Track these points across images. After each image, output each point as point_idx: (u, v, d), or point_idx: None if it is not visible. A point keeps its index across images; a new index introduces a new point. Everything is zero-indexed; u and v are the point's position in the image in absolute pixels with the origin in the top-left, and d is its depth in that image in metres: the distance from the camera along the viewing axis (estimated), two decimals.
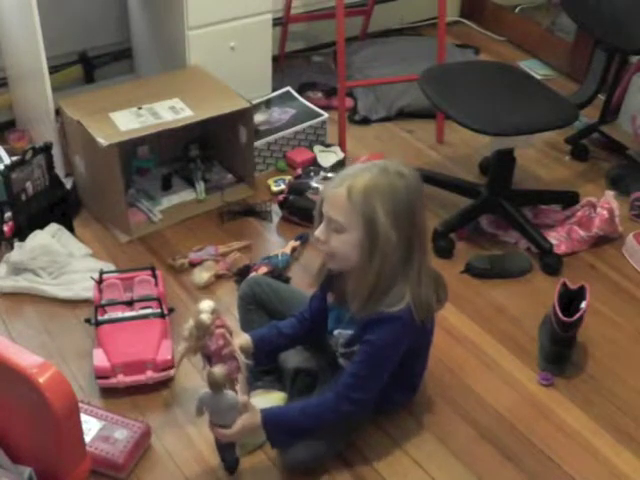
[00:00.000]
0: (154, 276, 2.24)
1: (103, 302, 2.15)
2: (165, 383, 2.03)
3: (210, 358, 1.83)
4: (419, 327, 1.74)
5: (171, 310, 2.16)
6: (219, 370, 1.70)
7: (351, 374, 1.75)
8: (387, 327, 1.71)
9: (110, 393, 1.99)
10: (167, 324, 2.11)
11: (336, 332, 1.83)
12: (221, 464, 1.82)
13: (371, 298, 1.70)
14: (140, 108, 2.51)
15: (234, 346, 1.82)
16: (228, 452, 1.80)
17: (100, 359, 1.99)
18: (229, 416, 1.73)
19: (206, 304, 1.83)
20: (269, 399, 1.92)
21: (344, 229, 1.68)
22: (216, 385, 1.70)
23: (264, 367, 1.98)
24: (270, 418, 1.75)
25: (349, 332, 1.79)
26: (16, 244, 2.37)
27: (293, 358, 2.02)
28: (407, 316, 1.70)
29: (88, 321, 2.10)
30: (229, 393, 1.72)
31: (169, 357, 2.01)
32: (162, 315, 2.11)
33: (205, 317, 1.80)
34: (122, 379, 1.98)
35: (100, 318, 2.08)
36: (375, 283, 1.68)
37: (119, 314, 2.11)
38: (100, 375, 1.99)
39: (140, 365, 1.99)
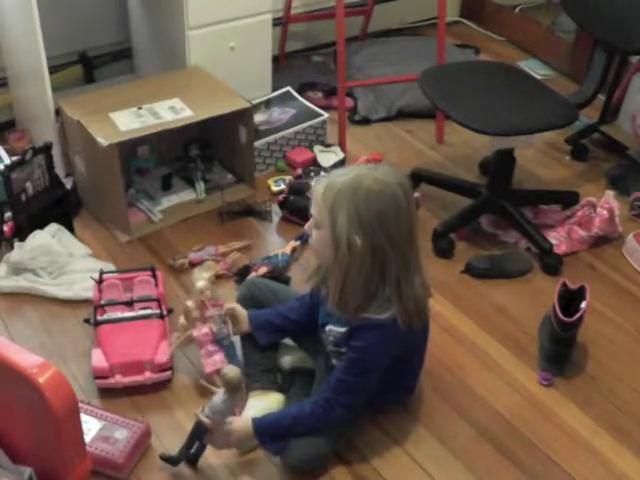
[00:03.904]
0: (154, 276, 2.23)
1: (102, 302, 2.15)
2: (165, 383, 2.02)
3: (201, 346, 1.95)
4: (408, 333, 1.73)
5: (170, 311, 2.16)
6: (237, 370, 1.72)
7: (339, 379, 1.76)
8: (372, 334, 1.72)
9: (110, 393, 1.99)
10: (166, 325, 2.10)
11: (327, 328, 1.84)
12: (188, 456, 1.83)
13: (343, 299, 1.70)
14: (140, 108, 2.51)
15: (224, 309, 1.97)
16: (190, 445, 1.80)
17: (98, 359, 1.99)
18: (226, 417, 1.74)
19: (201, 283, 2.01)
20: (267, 400, 1.92)
21: (318, 225, 1.71)
22: (236, 386, 1.71)
23: (264, 364, 1.99)
24: (262, 429, 1.77)
25: (339, 330, 1.80)
26: (16, 244, 2.37)
27: (290, 358, 2.04)
28: (392, 324, 1.70)
29: (87, 321, 2.10)
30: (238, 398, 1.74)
31: (167, 358, 2.01)
32: (161, 316, 2.10)
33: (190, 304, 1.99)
34: (120, 379, 1.98)
35: (99, 318, 2.08)
36: (342, 284, 1.69)
37: (118, 314, 2.11)
38: (98, 375, 1.98)
39: (138, 366, 1.99)
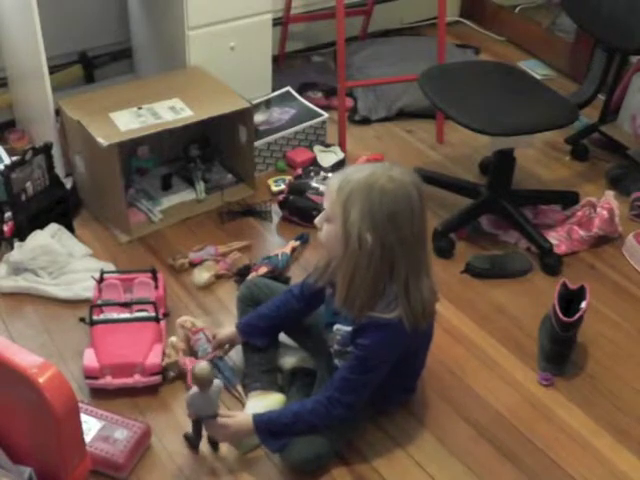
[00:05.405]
0: (154, 278, 2.23)
1: (99, 302, 2.15)
2: (164, 383, 2.02)
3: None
4: (413, 334, 1.73)
5: (166, 314, 2.15)
6: (203, 366, 1.73)
7: (343, 378, 1.77)
8: (379, 333, 1.71)
9: (110, 393, 1.99)
10: (161, 328, 2.09)
11: (335, 327, 1.83)
12: (198, 444, 1.87)
13: (351, 296, 1.70)
14: (140, 108, 2.51)
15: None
16: (198, 433, 1.83)
17: (90, 359, 1.98)
18: (216, 404, 1.76)
19: (180, 319, 2.12)
20: (267, 400, 1.92)
21: (330, 219, 1.71)
22: (204, 382, 1.72)
23: (264, 365, 2.00)
24: (262, 425, 1.77)
25: (347, 329, 1.79)
26: (16, 244, 2.37)
27: (290, 359, 2.04)
28: (399, 324, 1.70)
29: (83, 320, 2.08)
30: (215, 382, 1.75)
31: (158, 362, 1.99)
32: (156, 319, 2.08)
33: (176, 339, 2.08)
34: (110, 381, 1.97)
35: (95, 318, 2.07)
36: (350, 280, 1.68)
37: (114, 315, 2.10)
38: (89, 375, 1.98)
39: (129, 368, 1.98)
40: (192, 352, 2.07)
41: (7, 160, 2.54)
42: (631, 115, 2.96)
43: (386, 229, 1.64)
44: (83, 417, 1.65)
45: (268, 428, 1.78)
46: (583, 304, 2.10)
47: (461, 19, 4.06)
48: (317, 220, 1.76)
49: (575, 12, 2.61)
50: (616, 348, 2.21)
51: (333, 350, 1.87)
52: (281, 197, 2.63)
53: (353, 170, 1.71)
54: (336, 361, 1.87)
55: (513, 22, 3.91)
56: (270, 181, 2.79)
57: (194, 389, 1.75)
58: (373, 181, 1.65)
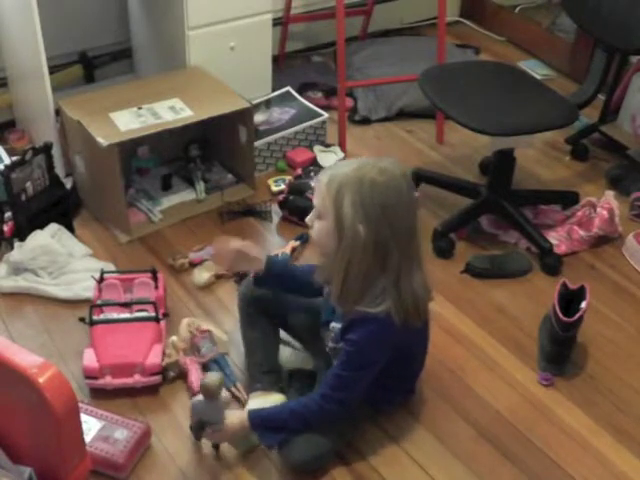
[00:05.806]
0: (155, 279, 2.23)
1: (98, 302, 2.15)
2: (164, 383, 2.02)
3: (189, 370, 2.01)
4: (405, 331, 1.72)
5: (166, 315, 2.14)
6: (213, 378, 1.72)
7: (334, 374, 1.76)
8: (367, 327, 1.71)
9: (110, 393, 1.99)
10: (161, 329, 2.09)
11: (331, 325, 1.83)
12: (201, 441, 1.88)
13: (345, 291, 1.69)
14: (140, 108, 2.51)
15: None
16: (199, 432, 1.83)
17: (89, 359, 1.98)
18: (221, 415, 1.75)
19: (185, 320, 2.11)
20: (268, 401, 1.92)
21: (321, 215, 1.70)
22: (212, 393, 1.72)
23: (265, 365, 2.00)
24: (257, 420, 1.77)
25: (339, 326, 1.79)
26: (16, 244, 2.37)
27: (290, 360, 2.04)
28: (386, 319, 1.69)
29: (83, 320, 2.08)
30: (223, 395, 1.75)
31: (158, 362, 1.99)
32: (156, 319, 2.08)
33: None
34: (110, 381, 1.97)
35: (95, 318, 2.07)
36: (345, 274, 1.68)
37: (114, 315, 2.10)
38: (88, 375, 1.98)
39: (128, 368, 1.98)
40: (195, 349, 2.06)
41: (7, 160, 2.54)
42: (631, 115, 2.96)
43: (378, 221, 1.64)
44: (83, 417, 1.65)
45: (263, 424, 1.78)
46: (583, 304, 2.10)
47: (461, 19, 4.06)
48: (308, 218, 1.75)
49: (575, 12, 2.61)
50: (616, 348, 2.21)
51: (328, 348, 1.86)
52: (281, 197, 2.63)
53: (340, 165, 1.72)
54: (333, 361, 1.86)
55: (513, 22, 3.91)
56: (270, 181, 2.79)
57: (200, 397, 1.75)
58: (362, 174, 1.65)
